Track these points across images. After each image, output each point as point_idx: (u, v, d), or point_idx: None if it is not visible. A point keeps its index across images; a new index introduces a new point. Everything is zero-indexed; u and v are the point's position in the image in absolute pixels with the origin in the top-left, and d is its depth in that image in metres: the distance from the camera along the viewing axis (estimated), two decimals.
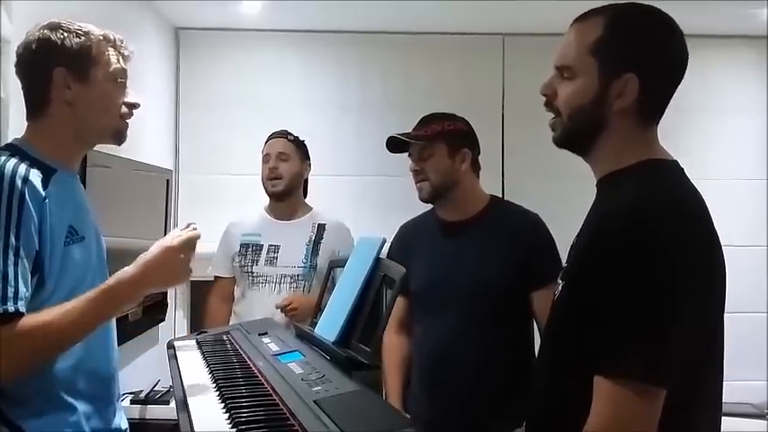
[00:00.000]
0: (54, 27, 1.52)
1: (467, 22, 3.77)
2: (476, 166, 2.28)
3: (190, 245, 1.51)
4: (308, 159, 2.90)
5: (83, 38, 1.52)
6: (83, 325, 1.40)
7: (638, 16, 1.25)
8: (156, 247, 1.48)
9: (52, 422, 1.44)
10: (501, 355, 2.15)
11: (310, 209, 2.90)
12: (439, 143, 2.21)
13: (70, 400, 1.48)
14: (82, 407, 1.50)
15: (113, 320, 1.62)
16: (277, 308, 2.64)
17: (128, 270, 1.45)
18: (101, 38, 1.54)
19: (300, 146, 2.88)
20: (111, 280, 1.45)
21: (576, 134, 1.28)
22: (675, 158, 1.28)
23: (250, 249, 2.81)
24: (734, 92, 3.93)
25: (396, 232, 2.40)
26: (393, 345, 2.31)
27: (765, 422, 3.34)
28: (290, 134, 2.88)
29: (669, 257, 1.09)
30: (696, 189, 1.23)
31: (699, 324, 1.14)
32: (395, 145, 2.26)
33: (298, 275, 2.75)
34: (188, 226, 1.58)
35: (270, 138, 2.90)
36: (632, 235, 1.11)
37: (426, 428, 2.14)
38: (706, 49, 3.84)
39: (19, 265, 1.35)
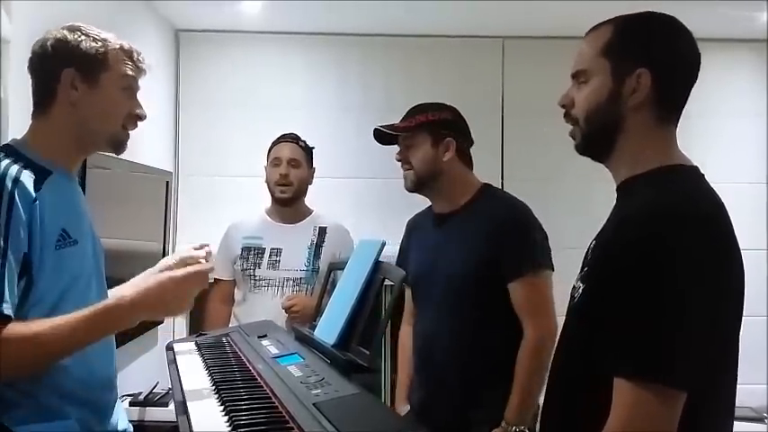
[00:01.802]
0: (74, 29, 1.53)
1: (467, 25, 3.77)
2: (464, 156, 2.25)
3: (198, 278, 1.51)
4: (313, 166, 2.91)
5: (99, 43, 1.52)
6: (73, 341, 1.39)
7: (647, 19, 1.30)
8: (159, 276, 1.49)
9: (44, 427, 1.42)
10: (478, 345, 2.11)
11: (311, 212, 2.90)
12: (422, 133, 2.20)
13: (63, 405, 1.45)
14: (77, 412, 1.47)
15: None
16: (283, 308, 2.64)
17: (126, 293, 1.45)
18: (117, 47, 1.55)
19: (309, 152, 2.88)
20: (109, 301, 1.44)
21: (595, 137, 1.30)
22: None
23: (252, 253, 2.81)
24: (733, 95, 3.92)
25: None
26: (404, 335, 2.36)
27: (765, 425, 3.34)
28: (301, 139, 2.88)
29: (687, 261, 1.11)
30: (716, 193, 1.24)
31: (715, 328, 1.15)
32: (383, 137, 2.27)
33: (300, 279, 2.76)
34: (202, 247, 1.65)
35: (280, 140, 2.88)
36: (652, 241, 1.12)
37: (416, 416, 2.16)
38: (705, 52, 3.76)
39: (6, 268, 1.33)
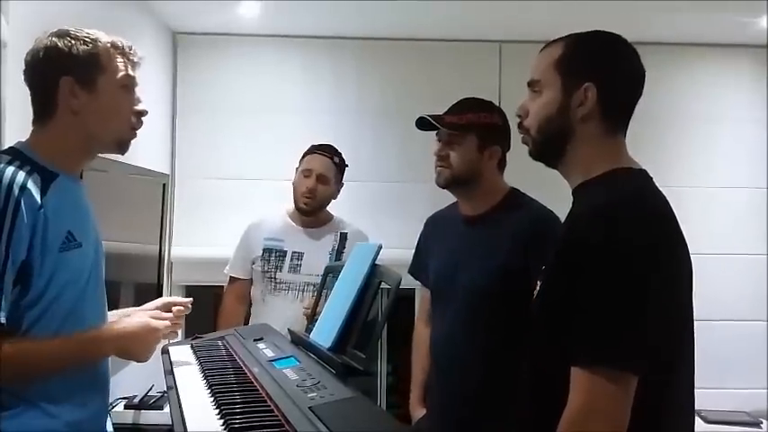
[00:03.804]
0: (62, 35, 1.51)
1: (464, 29, 3.77)
2: (502, 163, 2.21)
3: (165, 333, 1.62)
4: (342, 182, 2.88)
5: (90, 45, 1.51)
6: (58, 363, 1.45)
7: (597, 38, 1.40)
8: (141, 323, 1.56)
9: (35, 428, 1.42)
10: (489, 354, 2.05)
11: (332, 217, 2.90)
12: (470, 134, 2.13)
13: (54, 407, 1.45)
14: (68, 415, 1.47)
15: (105, 324, 1.61)
16: (304, 315, 2.62)
17: (108, 331, 1.54)
18: (108, 45, 1.53)
19: (341, 169, 2.86)
20: (95, 332, 1.52)
21: (546, 144, 1.40)
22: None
23: (273, 255, 2.80)
24: (734, 100, 3.91)
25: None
26: (420, 335, 2.33)
27: (762, 430, 3.34)
28: (336, 154, 2.85)
29: (636, 253, 1.17)
30: (661, 192, 1.32)
31: (669, 314, 1.21)
32: (423, 124, 2.18)
33: None
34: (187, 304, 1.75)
35: (315, 151, 2.85)
36: (601, 233, 1.19)
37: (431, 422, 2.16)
38: (706, 58, 3.86)
39: (4, 276, 1.35)
